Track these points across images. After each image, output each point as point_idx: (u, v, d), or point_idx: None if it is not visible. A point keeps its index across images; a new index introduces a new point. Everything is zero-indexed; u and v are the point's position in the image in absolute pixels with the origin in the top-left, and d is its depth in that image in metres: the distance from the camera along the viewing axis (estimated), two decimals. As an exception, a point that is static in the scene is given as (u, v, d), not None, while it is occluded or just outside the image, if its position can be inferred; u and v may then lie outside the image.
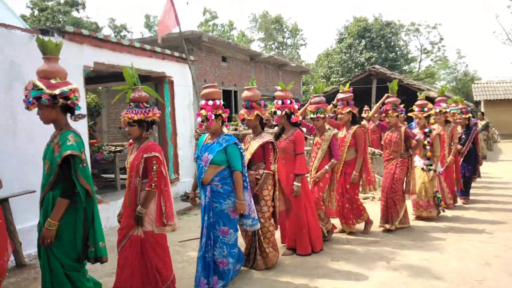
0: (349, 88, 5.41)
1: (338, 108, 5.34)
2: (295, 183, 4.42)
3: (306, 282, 3.89)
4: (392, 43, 27.07)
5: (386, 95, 5.61)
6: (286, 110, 4.46)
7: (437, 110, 6.40)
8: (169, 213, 3.31)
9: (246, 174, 3.76)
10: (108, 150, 10.22)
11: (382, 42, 26.41)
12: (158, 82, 7.71)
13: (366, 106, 12.03)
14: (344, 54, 27.38)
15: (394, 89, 5.56)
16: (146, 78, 7.60)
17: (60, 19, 27.40)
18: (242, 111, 4.16)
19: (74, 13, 28.71)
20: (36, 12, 27.58)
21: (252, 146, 4.11)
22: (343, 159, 5.22)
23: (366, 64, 24.07)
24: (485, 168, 11.10)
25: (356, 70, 23.64)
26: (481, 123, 13.39)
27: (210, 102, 3.66)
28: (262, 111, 4.15)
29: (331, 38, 68.86)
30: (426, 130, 5.75)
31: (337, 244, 5.00)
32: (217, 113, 3.66)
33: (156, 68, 7.39)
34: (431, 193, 5.85)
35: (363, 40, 26.92)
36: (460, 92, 31.88)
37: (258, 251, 4.11)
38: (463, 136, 7.09)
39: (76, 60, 5.80)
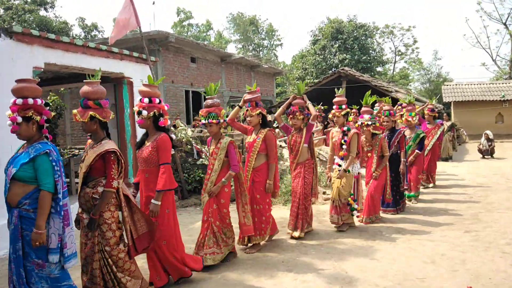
0: (255, 88, 4.92)
1: (246, 110, 4.84)
2: (152, 201, 3.62)
3: None
4: (365, 45, 27.42)
5: (292, 96, 5.39)
6: (155, 110, 3.73)
7: (359, 123, 5.93)
8: None
9: (60, 196, 2.94)
10: (71, 153, 9.99)
11: (355, 44, 26.73)
12: (116, 83, 7.58)
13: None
14: (318, 55, 27.60)
15: (301, 89, 5.32)
16: (104, 79, 7.42)
17: (27, 19, 26.68)
18: (75, 111, 3.33)
19: (42, 12, 28.00)
20: (1, 11, 26.80)
21: (89, 156, 3.30)
22: (252, 166, 4.77)
23: (339, 65, 24.29)
24: (449, 168, 11.42)
25: (330, 71, 23.85)
26: (446, 124, 13.69)
27: (19, 101, 2.88)
28: (103, 113, 3.34)
29: (307, 38, 69.63)
30: (345, 128, 5.43)
31: (290, 244, 5.00)
32: (27, 115, 2.87)
33: (114, 69, 7.25)
34: (345, 196, 5.42)
35: (336, 42, 27.20)
36: (432, 94, 32.61)
37: (113, 282, 3.37)
38: (386, 140, 6.30)
39: (25, 61, 5.65)
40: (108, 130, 3.50)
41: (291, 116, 5.25)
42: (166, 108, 3.86)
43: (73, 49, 6.37)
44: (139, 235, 3.51)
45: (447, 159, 13.18)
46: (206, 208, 4.34)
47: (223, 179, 4.27)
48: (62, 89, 11.23)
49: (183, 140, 8.63)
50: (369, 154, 6.05)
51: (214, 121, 4.27)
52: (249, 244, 4.85)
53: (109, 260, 3.33)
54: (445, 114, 15.72)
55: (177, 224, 3.93)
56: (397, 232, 5.42)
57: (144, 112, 3.67)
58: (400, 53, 35.84)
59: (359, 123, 5.93)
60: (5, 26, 5.52)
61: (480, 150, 13.80)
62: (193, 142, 8.53)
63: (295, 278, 3.98)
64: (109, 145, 3.31)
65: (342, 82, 15.88)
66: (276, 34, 42.80)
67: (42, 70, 5.93)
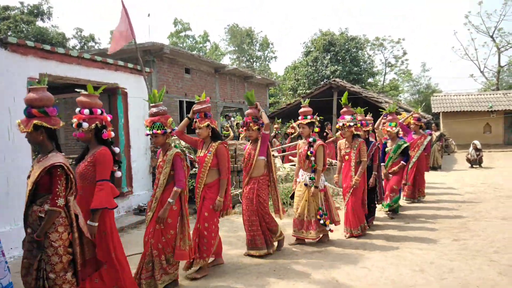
0: (205, 98, 4.52)
1: (195, 122, 4.48)
2: (88, 222, 3.25)
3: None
4: (356, 57, 27.80)
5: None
6: (97, 122, 3.39)
7: (340, 124, 5.79)
8: None
9: None
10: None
11: (346, 56, 27.10)
12: (111, 93, 7.63)
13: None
14: (310, 67, 27.88)
15: (252, 99, 5.00)
16: (98, 89, 7.48)
17: (23, 29, 26.69)
18: (18, 121, 3.01)
19: (40, 23, 28.03)
20: (-3, 21, 26.80)
21: (34, 172, 2.98)
22: (203, 181, 4.42)
23: (331, 77, 24.54)
24: (438, 177, 11.59)
25: (322, 82, 24.12)
26: (435, 134, 13.95)
27: None
28: (50, 121, 3.01)
29: (299, 51, 70.21)
30: (310, 139, 5.25)
31: (281, 253, 5.05)
32: None
33: (109, 80, 7.31)
34: (314, 212, 5.25)
35: (328, 54, 27.54)
36: (421, 104, 33.06)
37: None
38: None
39: (19, 71, 5.70)
40: (58, 141, 3.18)
41: (245, 128, 5.00)
42: (109, 119, 3.54)
43: (68, 60, 6.43)
44: (85, 260, 3.20)
45: (436, 168, 13.43)
46: (148, 228, 3.95)
47: (169, 199, 3.85)
48: (56, 100, 11.28)
49: (176, 150, 8.66)
50: (346, 157, 5.82)
51: (159, 131, 3.89)
52: (191, 269, 4.42)
53: None
54: (433, 124, 16.01)
55: (118, 248, 3.54)
56: (386, 241, 5.51)
57: (85, 124, 3.34)
58: (390, 64, 36.35)
59: (340, 124, 5.77)
60: (0, 37, 5.58)
61: (468, 160, 14.05)
62: (186, 151, 8.57)
63: (286, 287, 4.03)
64: (56, 158, 2.95)
65: (333, 93, 16.07)
66: (271, 47, 43.23)
67: (37, 80, 5.98)
